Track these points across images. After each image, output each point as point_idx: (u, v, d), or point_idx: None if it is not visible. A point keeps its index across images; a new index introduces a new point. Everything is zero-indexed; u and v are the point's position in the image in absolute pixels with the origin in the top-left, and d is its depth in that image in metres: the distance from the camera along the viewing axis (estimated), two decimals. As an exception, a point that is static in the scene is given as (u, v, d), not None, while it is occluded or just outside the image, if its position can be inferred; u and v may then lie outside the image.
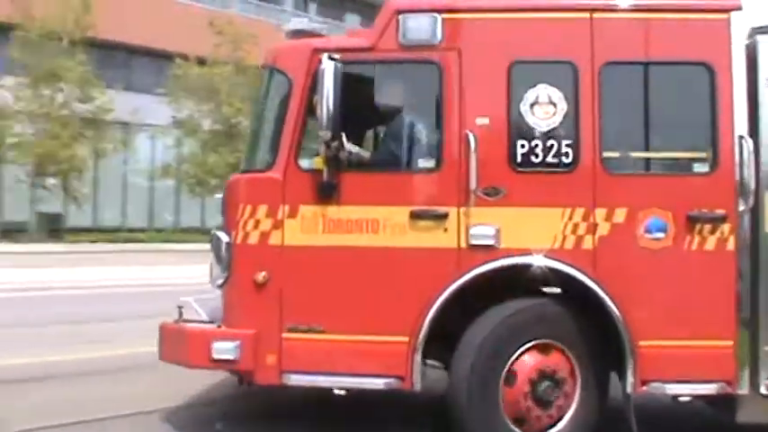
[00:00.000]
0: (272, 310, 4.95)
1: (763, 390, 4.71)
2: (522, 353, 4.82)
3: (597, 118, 4.89)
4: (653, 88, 4.95)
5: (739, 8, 4.91)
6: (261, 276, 4.96)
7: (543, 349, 4.85)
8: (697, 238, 4.82)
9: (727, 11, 4.89)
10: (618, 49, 4.93)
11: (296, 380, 4.93)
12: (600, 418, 4.87)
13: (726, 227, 4.80)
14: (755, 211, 4.79)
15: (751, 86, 4.81)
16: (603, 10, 4.99)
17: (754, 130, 4.79)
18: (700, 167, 4.89)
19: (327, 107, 4.73)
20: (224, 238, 5.12)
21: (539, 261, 4.83)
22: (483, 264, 4.84)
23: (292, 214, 4.99)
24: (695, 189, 4.85)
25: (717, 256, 4.79)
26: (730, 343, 4.76)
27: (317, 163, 4.96)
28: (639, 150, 5.01)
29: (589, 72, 4.90)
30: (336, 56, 4.90)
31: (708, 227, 4.81)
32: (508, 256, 4.85)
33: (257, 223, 5.01)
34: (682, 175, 4.91)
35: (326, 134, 4.75)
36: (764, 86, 4.79)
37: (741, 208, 4.79)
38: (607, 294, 4.80)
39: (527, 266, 4.83)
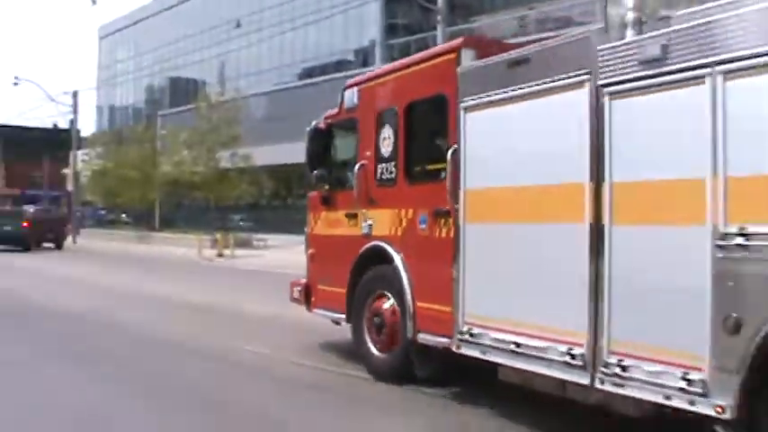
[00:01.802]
0: (315, 271, 8.79)
1: (455, 344, 6.16)
2: (374, 298, 7.42)
3: (403, 145, 7.09)
4: (428, 119, 6.82)
5: (465, 45, 6.35)
6: (311, 251, 8.88)
7: (378, 298, 7.34)
8: (437, 228, 6.55)
9: (455, 50, 6.40)
10: (413, 94, 6.98)
11: (316, 312, 8.65)
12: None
13: (450, 219, 6.38)
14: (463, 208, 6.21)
15: (454, 112, 6.25)
16: (405, 67, 7.12)
17: (462, 146, 6.21)
18: (443, 175, 6.52)
19: (306, 156, 8.43)
20: (307, 229, 9.18)
21: (378, 243, 7.38)
22: (364, 243, 7.65)
23: (319, 215, 8.72)
24: (440, 192, 6.51)
25: (445, 240, 6.42)
26: (449, 309, 6.33)
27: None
28: (422, 165, 6.88)
29: (401, 113, 7.13)
30: (328, 122, 8.47)
31: (442, 219, 6.49)
32: (374, 240, 7.53)
33: (311, 220, 8.93)
34: (435, 182, 6.58)
35: (309, 172, 8.43)
36: (462, 111, 6.16)
37: (457, 205, 6.28)
38: (403, 266, 7.01)
39: (379, 248, 7.42)
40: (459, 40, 6.47)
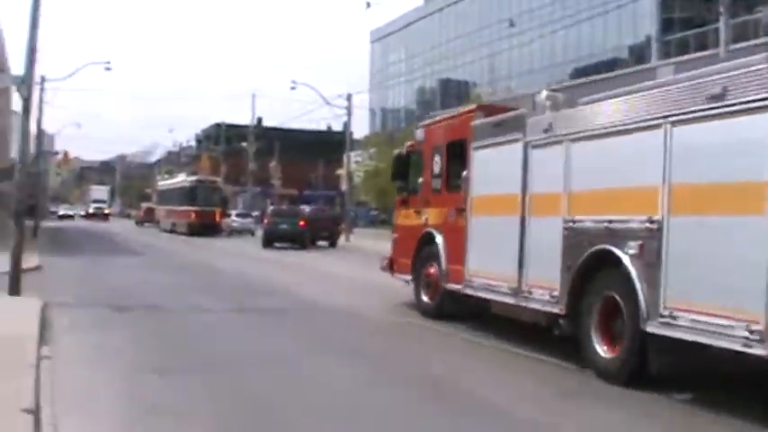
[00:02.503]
0: (397, 249, 13.18)
1: (462, 287, 10.33)
2: (427, 266, 11.71)
3: (446, 168, 11.34)
4: (458, 153, 11.02)
5: (478, 109, 10.55)
6: (395, 236, 13.31)
7: (429, 266, 11.62)
8: (459, 219, 10.75)
9: (473, 111, 10.61)
10: (451, 136, 11.22)
11: (396, 276, 13.01)
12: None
13: (464, 214, 10.58)
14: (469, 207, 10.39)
15: (469, 150, 10.44)
16: (448, 119, 11.40)
17: (470, 171, 10.40)
18: (462, 187, 10.70)
19: (391, 171, 12.89)
20: (394, 221, 13.58)
21: (430, 229, 11.67)
22: (423, 230, 11.95)
23: (400, 212, 13.12)
24: (460, 197, 10.69)
25: (462, 226, 10.61)
26: (462, 267, 10.51)
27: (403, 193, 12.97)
28: (454, 181, 11.08)
29: (445, 148, 11.40)
30: (408, 150, 12.89)
31: (461, 214, 10.69)
32: (428, 228, 11.82)
33: (395, 215, 13.35)
34: (459, 191, 10.75)
35: (392, 181, 12.89)
36: (472, 150, 10.35)
37: (465, 206, 10.47)
38: (443, 243, 11.25)
39: (430, 232, 11.70)
40: (474, 106, 10.67)
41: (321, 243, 33.29)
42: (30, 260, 15.86)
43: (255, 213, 50.38)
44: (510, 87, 38.85)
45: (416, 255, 12.07)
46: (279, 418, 5.84)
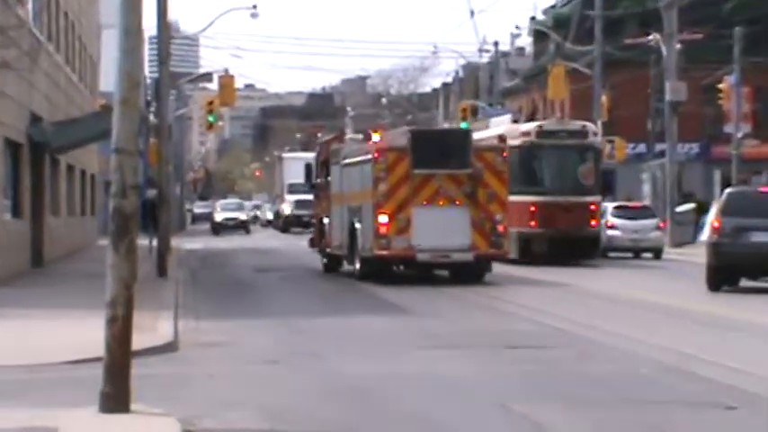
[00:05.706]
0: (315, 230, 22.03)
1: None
2: (321, 240, 20.59)
3: (324, 173, 20.14)
4: (327, 165, 19.75)
5: (333, 140, 19.39)
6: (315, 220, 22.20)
7: (322, 239, 20.49)
8: (330, 206, 19.52)
9: (331, 141, 19.46)
10: (324, 155, 19.95)
11: (313, 249, 21.86)
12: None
13: (331, 202, 19.35)
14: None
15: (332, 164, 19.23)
16: (324, 143, 20.31)
17: (332, 177, 19.19)
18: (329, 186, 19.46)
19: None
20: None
21: (321, 214, 20.54)
22: (321, 216, 20.81)
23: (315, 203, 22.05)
24: (330, 192, 19.38)
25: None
26: (331, 239, 19.30)
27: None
28: (327, 181, 19.84)
29: (323, 161, 20.17)
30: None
31: (330, 202, 19.46)
32: (321, 214, 20.67)
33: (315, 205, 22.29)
34: (329, 189, 19.42)
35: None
36: (332, 165, 19.08)
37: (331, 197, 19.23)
38: (329, 223, 20.07)
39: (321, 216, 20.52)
40: (332, 137, 19.60)
41: None
42: (151, 328, 9.35)
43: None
44: None
45: (319, 232, 20.77)
46: None
